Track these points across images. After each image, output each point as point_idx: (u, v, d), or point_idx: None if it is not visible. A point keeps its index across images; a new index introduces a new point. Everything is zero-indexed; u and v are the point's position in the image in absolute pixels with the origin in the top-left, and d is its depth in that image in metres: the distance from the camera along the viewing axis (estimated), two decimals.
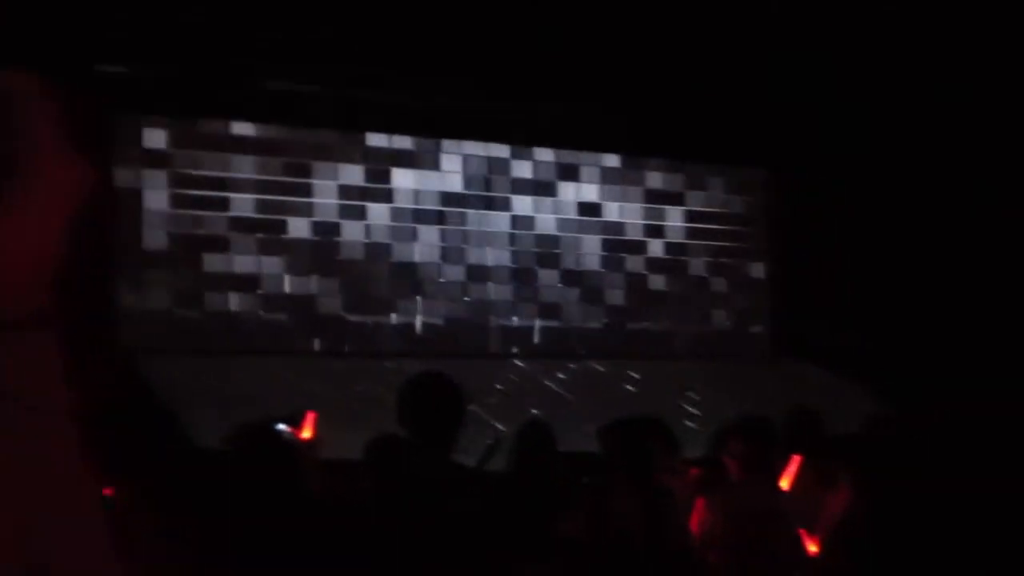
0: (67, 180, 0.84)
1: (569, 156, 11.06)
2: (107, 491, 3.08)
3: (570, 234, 11.11)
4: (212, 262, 9.64)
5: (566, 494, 5.34)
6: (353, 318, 10.11)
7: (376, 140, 10.30)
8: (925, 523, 4.76)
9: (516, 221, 10.85)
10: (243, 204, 9.71)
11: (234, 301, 9.75)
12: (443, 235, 10.57)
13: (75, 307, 0.95)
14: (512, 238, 10.87)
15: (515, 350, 10.69)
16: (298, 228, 9.89)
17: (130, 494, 3.24)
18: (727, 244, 11.84)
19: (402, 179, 10.41)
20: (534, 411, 6.01)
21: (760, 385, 10.48)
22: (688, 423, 5.74)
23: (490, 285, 10.73)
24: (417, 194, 10.45)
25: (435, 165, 10.62)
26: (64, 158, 0.83)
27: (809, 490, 5.21)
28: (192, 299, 9.53)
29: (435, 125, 10.31)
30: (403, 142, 10.42)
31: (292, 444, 4.42)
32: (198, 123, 9.52)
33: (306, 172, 10.01)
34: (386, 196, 10.32)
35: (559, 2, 8.68)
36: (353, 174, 10.15)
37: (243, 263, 9.75)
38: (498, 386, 9.28)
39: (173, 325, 9.47)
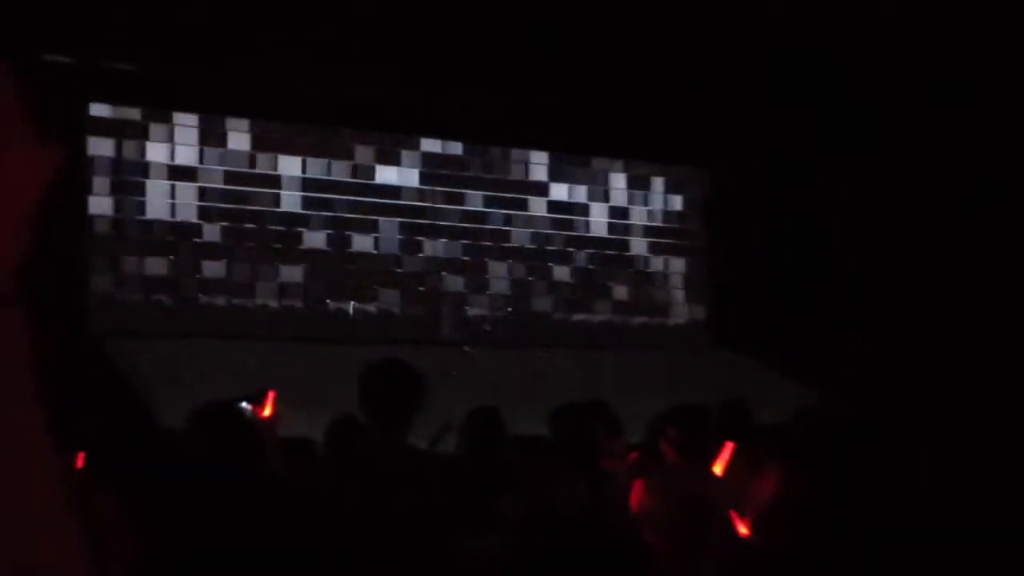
0: (32, 166, 0.82)
1: (520, 154, 11.06)
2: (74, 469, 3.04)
3: (519, 229, 11.10)
4: (186, 250, 9.61)
5: (513, 476, 5.33)
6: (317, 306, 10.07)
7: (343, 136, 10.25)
8: (845, 506, 4.81)
9: (469, 215, 10.83)
10: (214, 195, 9.67)
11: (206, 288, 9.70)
12: (401, 227, 10.53)
13: (43, 290, 0.93)
14: (465, 231, 10.85)
15: (465, 338, 10.69)
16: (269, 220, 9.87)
17: (96, 473, 3.20)
18: (668, 240, 11.87)
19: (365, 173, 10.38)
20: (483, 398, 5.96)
21: (697, 375, 10.52)
22: (627, 410, 5.72)
23: (444, 276, 10.71)
24: (376, 188, 10.41)
25: (395, 160, 10.60)
26: (29, 139, 0.82)
27: (739, 475, 5.22)
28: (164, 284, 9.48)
29: (397, 120, 10.26)
30: (369, 138, 10.39)
31: (253, 422, 4.39)
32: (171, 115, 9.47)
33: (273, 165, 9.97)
34: (351, 189, 10.28)
35: (513, 4, 8.65)
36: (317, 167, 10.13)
37: (215, 251, 9.70)
38: (453, 372, 9.26)
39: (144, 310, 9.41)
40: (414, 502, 4.24)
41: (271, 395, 4.80)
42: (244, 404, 4.53)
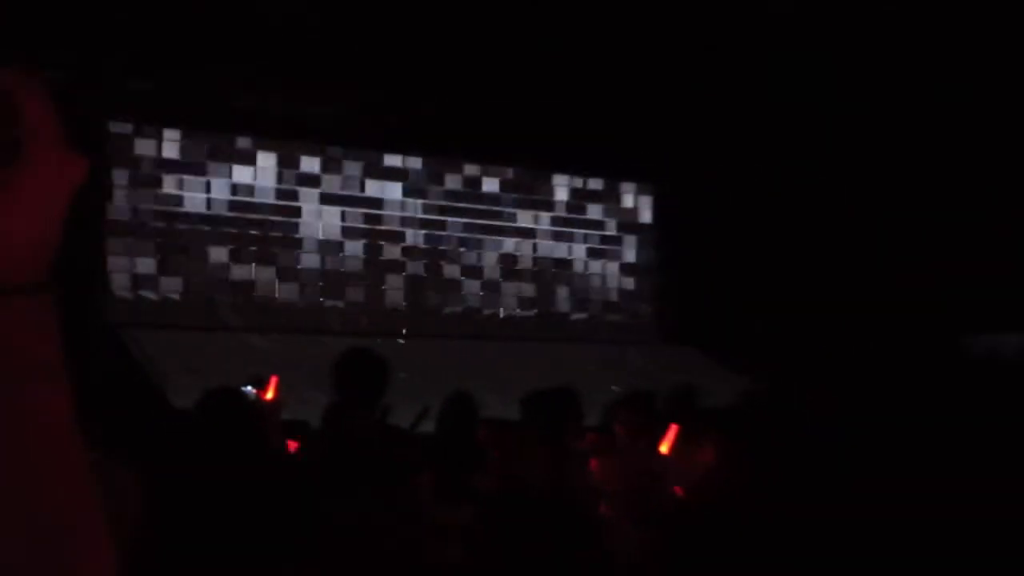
0: (65, 167, 0.87)
1: (484, 169, 11.08)
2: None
3: (482, 236, 11.13)
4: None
5: (484, 452, 5.38)
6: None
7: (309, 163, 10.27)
8: (775, 477, 4.87)
9: (435, 224, 10.84)
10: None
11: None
12: (370, 233, 10.53)
13: (67, 282, 0.97)
14: (435, 237, 10.88)
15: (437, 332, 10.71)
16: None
17: (113, 452, 3.20)
18: (621, 247, 11.93)
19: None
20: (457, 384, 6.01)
21: (646, 365, 10.59)
22: (585, 396, 5.77)
23: (410, 277, 10.74)
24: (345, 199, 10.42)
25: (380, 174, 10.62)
26: (62, 148, 0.87)
27: (682, 453, 5.28)
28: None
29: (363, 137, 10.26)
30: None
31: (256, 404, 4.42)
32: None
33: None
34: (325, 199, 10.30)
35: (475, 27, 8.62)
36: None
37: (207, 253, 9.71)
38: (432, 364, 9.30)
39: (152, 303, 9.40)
40: (390, 470, 4.27)
41: (274, 380, 4.83)
42: (249, 388, 4.56)
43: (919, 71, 8.79)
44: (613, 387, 8.19)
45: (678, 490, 5.06)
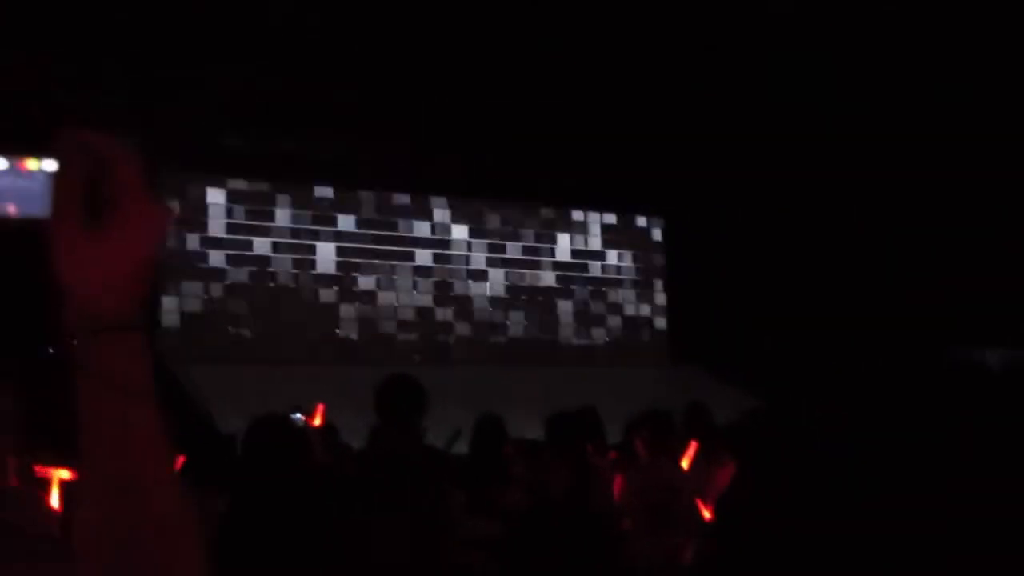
0: (153, 219, 0.91)
1: (517, 204, 11.11)
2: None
3: (514, 269, 11.11)
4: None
5: (512, 470, 5.32)
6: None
7: (321, 191, 10.27)
8: (789, 491, 4.77)
9: (458, 259, 10.83)
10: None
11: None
12: (394, 269, 10.53)
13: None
14: (454, 268, 10.86)
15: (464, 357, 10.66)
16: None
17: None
18: (635, 276, 11.91)
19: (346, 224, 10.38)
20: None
21: (661, 384, 10.51)
22: (606, 415, 5.71)
23: (447, 310, 10.71)
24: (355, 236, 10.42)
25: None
26: (149, 202, 0.91)
27: (702, 469, 5.20)
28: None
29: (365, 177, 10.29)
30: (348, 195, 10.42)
31: (304, 430, 4.37)
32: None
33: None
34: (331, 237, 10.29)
35: (488, 69, 8.64)
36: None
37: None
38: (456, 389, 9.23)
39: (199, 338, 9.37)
40: (427, 487, 4.22)
41: (320, 408, 4.80)
42: (297, 415, 4.52)
43: (923, 94, 8.70)
44: (629, 407, 8.10)
45: (699, 504, 4.97)
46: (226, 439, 4.91)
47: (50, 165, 0.92)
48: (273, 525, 3.41)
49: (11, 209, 0.94)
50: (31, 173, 0.95)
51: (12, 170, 0.95)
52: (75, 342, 0.89)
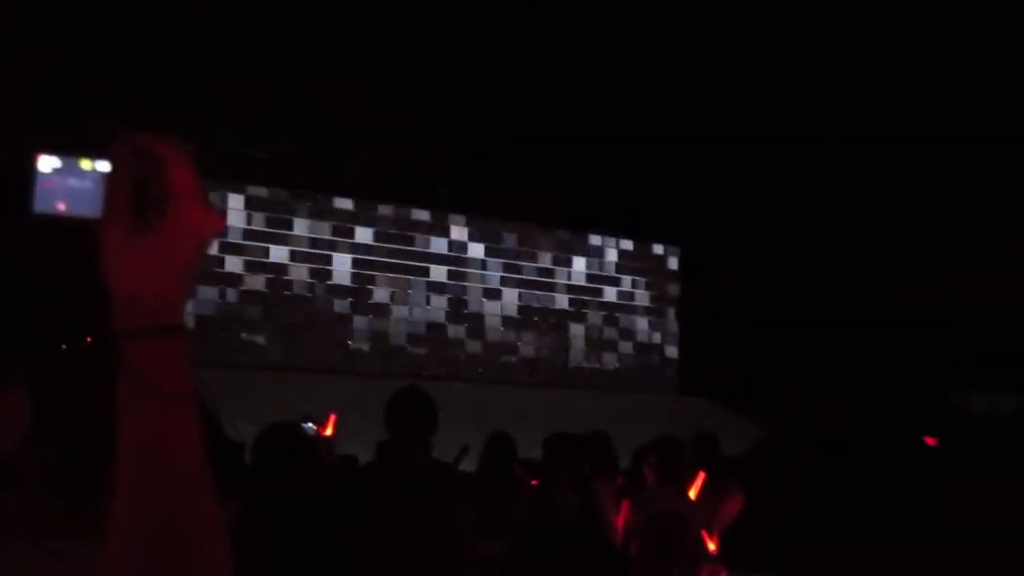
0: (203, 224, 0.91)
1: (535, 229, 11.13)
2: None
3: (528, 290, 11.12)
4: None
5: (517, 488, 5.30)
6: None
7: (341, 203, 10.29)
8: (796, 522, 4.74)
9: (475, 277, 10.84)
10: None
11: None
12: (409, 283, 10.53)
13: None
14: (483, 290, 10.87)
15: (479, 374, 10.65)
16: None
17: None
18: (649, 303, 11.89)
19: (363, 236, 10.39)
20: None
21: (670, 413, 10.49)
22: (614, 441, 5.68)
23: (460, 327, 10.71)
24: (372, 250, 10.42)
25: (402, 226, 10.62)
26: (200, 207, 0.91)
27: (709, 499, 5.16)
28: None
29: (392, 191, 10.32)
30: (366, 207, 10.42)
31: (314, 439, 4.35)
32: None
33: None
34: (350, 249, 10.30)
35: (526, 111, 8.69)
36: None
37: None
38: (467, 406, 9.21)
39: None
40: (434, 500, 4.20)
41: (333, 418, 4.78)
42: (309, 424, 4.49)
43: (945, 129, 8.67)
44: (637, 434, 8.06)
45: (704, 534, 4.93)
46: (235, 445, 4.89)
47: (104, 166, 0.92)
48: (283, 533, 3.39)
49: (61, 207, 0.95)
50: (84, 173, 0.96)
51: (67, 169, 0.96)
52: (119, 343, 0.88)
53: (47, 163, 0.75)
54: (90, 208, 0.74)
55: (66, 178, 0.75)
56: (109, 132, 0.89)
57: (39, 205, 0.74)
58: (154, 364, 0.88)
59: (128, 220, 0.88)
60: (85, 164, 0.75)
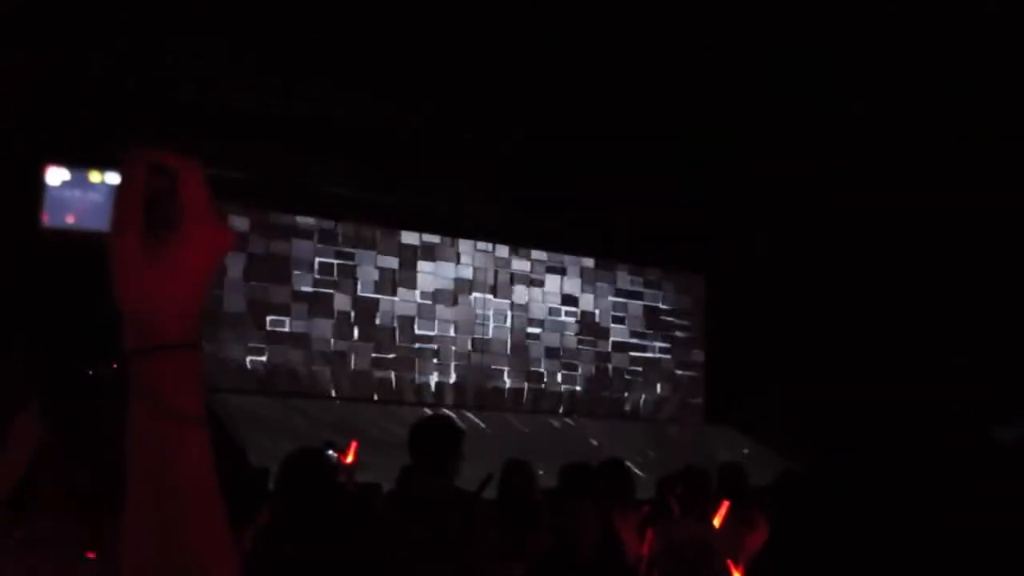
0: (215, 240, 0.89)
1: (556, 257, 11.12)
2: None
3: (553, 318, 11.09)
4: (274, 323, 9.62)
5: (536, 515, 5.27)
6: (378, 374, 10.04)
7: (407, 237, 10.31)
8: (822, 557, 4.70)
9: (512, 306, 10.84)
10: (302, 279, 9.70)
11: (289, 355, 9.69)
12: (456, 313, 10.54)
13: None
14: (508, 319, 10.86)
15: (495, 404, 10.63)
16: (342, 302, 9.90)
17: None
18: (672, 333, 11.84)
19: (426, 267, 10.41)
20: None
21: (694, 444, 10.42)
22: (638, 471, 5.65)
23: (488, 355, 10.68)
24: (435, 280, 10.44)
25: (454, 258, 10.64)
26: (213, 223, 0.89)
27: (733, 530, 5.12)
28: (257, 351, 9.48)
29: (450, 225, 10.34)
30: (429, 238, 10.44)
31: (336, 465, 4.35)
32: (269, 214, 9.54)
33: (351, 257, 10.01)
34: (412, 281, 10.32)
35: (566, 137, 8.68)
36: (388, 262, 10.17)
37: (297, 325, 9.72)
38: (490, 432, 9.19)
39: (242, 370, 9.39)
40: (453, 530, 4.18)
41: (354, 445, 4.78)
42: (330, 452, 4.50)
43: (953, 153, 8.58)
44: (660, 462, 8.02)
45: (729, 565, 4.89)
46: (258, 472, 4.89)
47: (114, 178, 0.91)
48: (306, 557, 3.39)
49: (70, 219, 0.93)
50: (94, 185, 0.94)
51: (76, 181, 0.94)
52: (129, 362, 0.87)
53: (56, 175, 0.76)
54: (99, 221, 0.74)
55: (75, 190, 0.75)
56: (121, 145, 0.87)
57: (49, 219, 0.74)
58: (164, 383, 0.87)
59: (140, 235, 0.86)
60: (95, 176, 0.75)
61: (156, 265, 0.86)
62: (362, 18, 7.26)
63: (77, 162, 0.95)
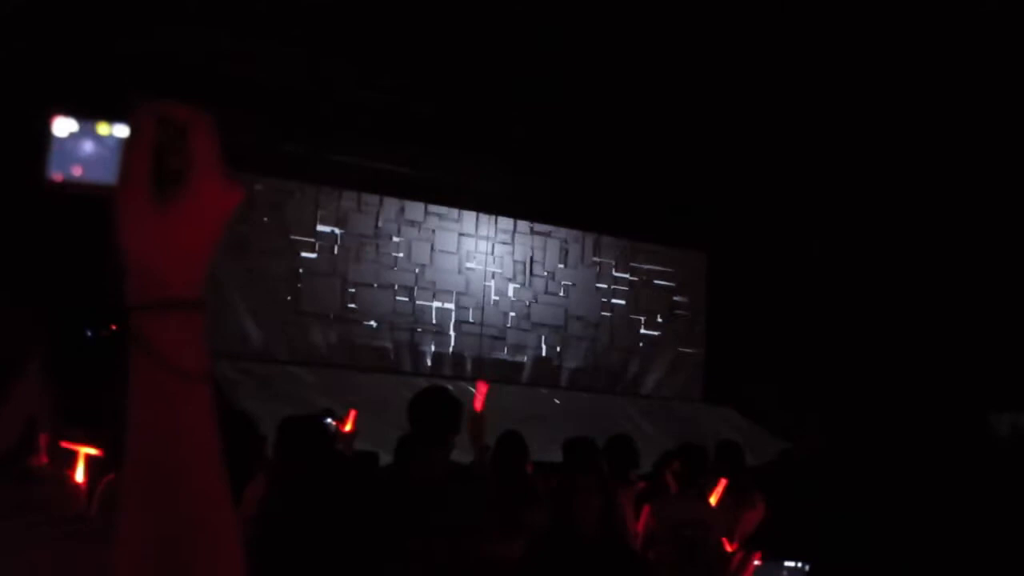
0: (223, 196, 0.86)
1: (558, 231, 11.08)
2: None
3: (552, 292, 11.07)
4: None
5: (533, 490, 5.26)
6: (376, 343, 10.05)
7: (412, 207, 10.27)
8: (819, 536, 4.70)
9: (513, 278, 10.82)
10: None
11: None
12: (457, 284, 10.53)
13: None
14: (509, 291, 10.84)
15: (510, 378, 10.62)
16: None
17: None
18: (674, 311, 11.82)
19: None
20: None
21: (691, 421, 10.42)
22: (637, 446, 5.63)
23: (488, 327, 10.68)
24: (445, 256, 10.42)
25: (457, 229, 10.62)
26: (221, 179, 0.86)
27: (730, 507, 5.12)
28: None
29: (453, 196, 10.32)
30: (434, 209, 10.42)
31: (333, 434, 4.34)
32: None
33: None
34: (414, 251, 10.30)
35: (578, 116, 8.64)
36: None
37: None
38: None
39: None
40: (449, 502, 4.17)
41: (352, 414, 4.77)
42: (328, 420, 4.49)
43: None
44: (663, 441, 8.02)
45: (724, 541, 4.90)
46: (257, 438, 4.88)
47: (121, 130, 0.88)
48: (306, 521, 3.38)
49: (77, 172, 0.90)
50: (102, 137, 0.91)
51: (83, 133, 0.91)
52: (132, 318, 0.84)
53: (63, 126, 0.74)
54: (107, 174, 0.73)
55: (82, 142, 0.73)
56: (131, 98, 0.86)
57: (54, 170, 0.73)
58: (168, 340, 0.84)
59: (147, 189, 0.84)
60: (102, 128, 0.73)
61: (164, 218, 0.84)
62: None
63: (85, 114, 0.92)
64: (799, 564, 2.26)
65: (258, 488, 3.78)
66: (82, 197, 0.91)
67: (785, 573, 2.22)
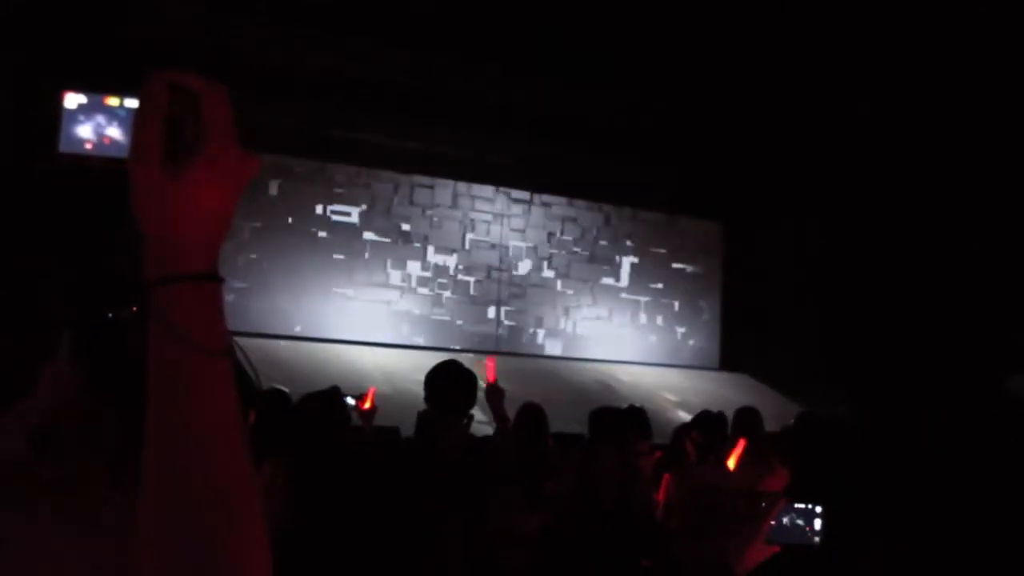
0: (238, 166, 0.85)
1: (574, 202, 11.06)
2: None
3: (567, 261, 11.06)
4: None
5: (553, 461, 5.27)
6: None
7: (419, 181, 10.27)
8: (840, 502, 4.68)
9: (526, 250, 10.81)
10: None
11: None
12: (469, 258, 10.52)
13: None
14: (523, 261, 10.84)
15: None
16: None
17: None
18: (692, 281, 11.81)
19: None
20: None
21: (711, 389, 10.43)
22: (658, 414, 5.63)
23: (503, 298, 10.68)
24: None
25: (469, 201, 10.59)
26: (236, 148, 0.84)
27: (750, 472, 5.11)
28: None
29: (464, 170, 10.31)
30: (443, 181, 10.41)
31: (353, 411, 4.35)
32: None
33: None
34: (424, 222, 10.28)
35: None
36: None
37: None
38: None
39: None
40: (466, 475, 4.17)
41: (372, 391, 4.79)
42: (348, 398, 4.50)
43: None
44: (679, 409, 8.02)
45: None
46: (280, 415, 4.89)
47: (132, 103, 0.87)
48: (328, 496, 3.39)
49: (88, 146, 0.89)
50: (112, 109, 0.89)
51: (93, 105, 0.89)
52: (151, 294, 0.83)
53: (73, 100, 0.73)
54: (118, 148, 0.72)
55: (93, 115, 0.72)
56: (143, 67, 0.83)
57: (65, 145, 0.72)
58: (188, 314, 0.83)
59: (161, 160, 0.82)
60: (112, 100, 0.73)
61: (178, 188, 0.82)
62: None
63: (95, 87, 0.90)
64: (809, 506, 2.26)
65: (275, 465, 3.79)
66: (96, 171, 0.90)
67: (795, 514, 2.22)
